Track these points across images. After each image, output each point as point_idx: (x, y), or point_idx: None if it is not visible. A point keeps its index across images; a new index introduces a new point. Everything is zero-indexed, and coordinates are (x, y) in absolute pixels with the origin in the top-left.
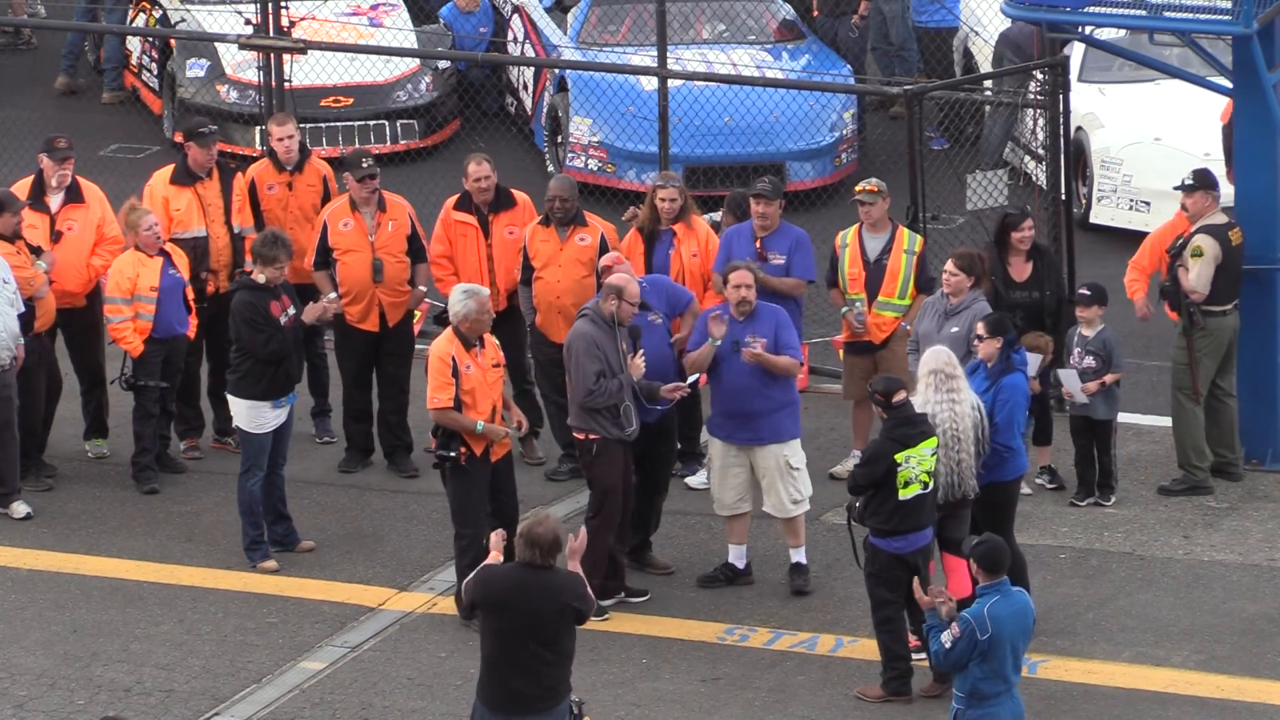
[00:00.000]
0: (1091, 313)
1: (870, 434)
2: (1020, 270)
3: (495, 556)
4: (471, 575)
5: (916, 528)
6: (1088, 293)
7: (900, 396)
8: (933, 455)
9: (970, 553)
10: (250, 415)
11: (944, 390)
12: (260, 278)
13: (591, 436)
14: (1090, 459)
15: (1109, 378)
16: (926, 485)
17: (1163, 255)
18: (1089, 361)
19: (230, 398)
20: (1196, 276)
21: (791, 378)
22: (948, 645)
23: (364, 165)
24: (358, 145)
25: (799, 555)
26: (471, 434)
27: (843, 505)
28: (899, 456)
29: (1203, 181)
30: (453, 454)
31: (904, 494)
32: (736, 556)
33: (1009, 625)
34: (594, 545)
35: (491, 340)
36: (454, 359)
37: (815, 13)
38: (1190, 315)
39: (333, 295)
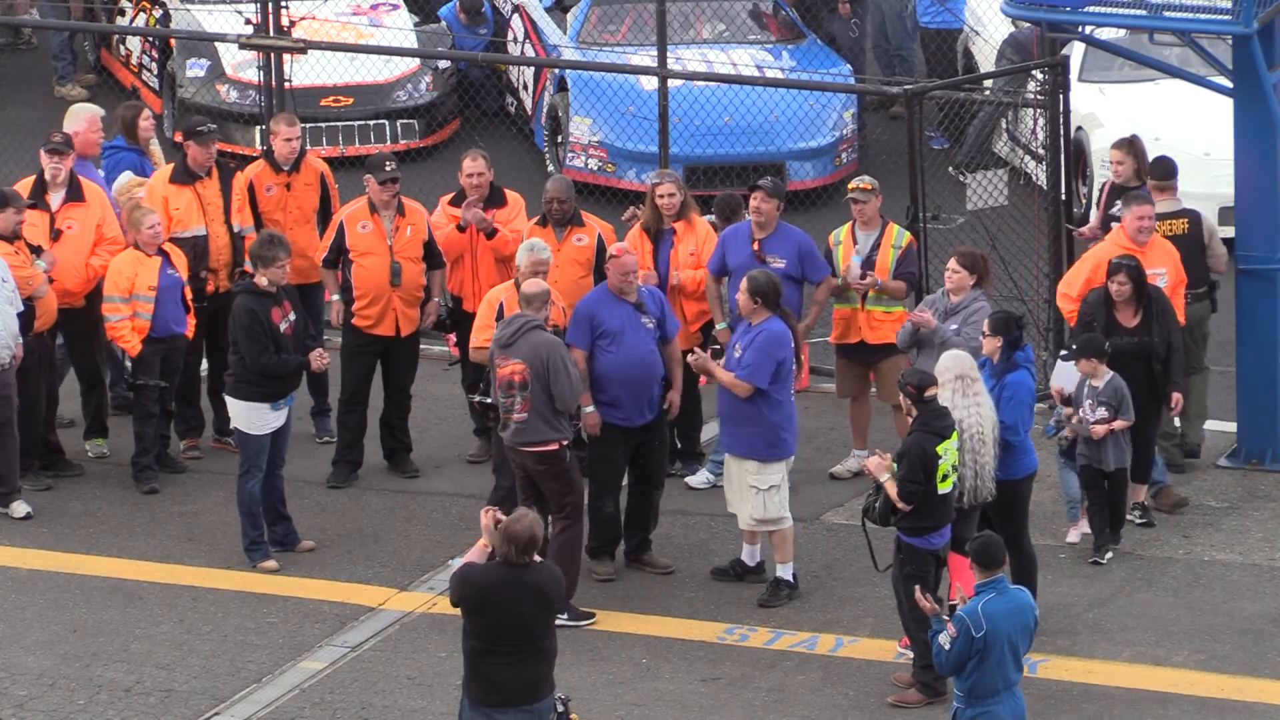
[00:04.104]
0: (1091, 365)
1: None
2: (1128, 316)
3: (483, 545)
4: (454, 573)
5: (949, 520)
6: (1075, 347)
7: (932, 391)
8: (956, 449)
9: (966, 550)
10: (249, 416)
11: (969, 394)
12: (262, 280)
13: (564, 444)
14: (1104, 511)
15: (1118, 424)
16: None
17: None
18: (1101, 412)
19: (228, 399)
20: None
21: (770, 401)
22: (946, 646)
23: (387, 168)
24: (358, 145)
25: (783, 571)
26: None
27: (842, 505)
28: (939, 449)
29: (1156, 173)
30: (491, 400)
31: (943, 488)
32: (748, 555)
33: (1004, 623)
34: (574, 551)
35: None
36: (502, 305)
37: (845, 11)
38: None
39: (335, 298)
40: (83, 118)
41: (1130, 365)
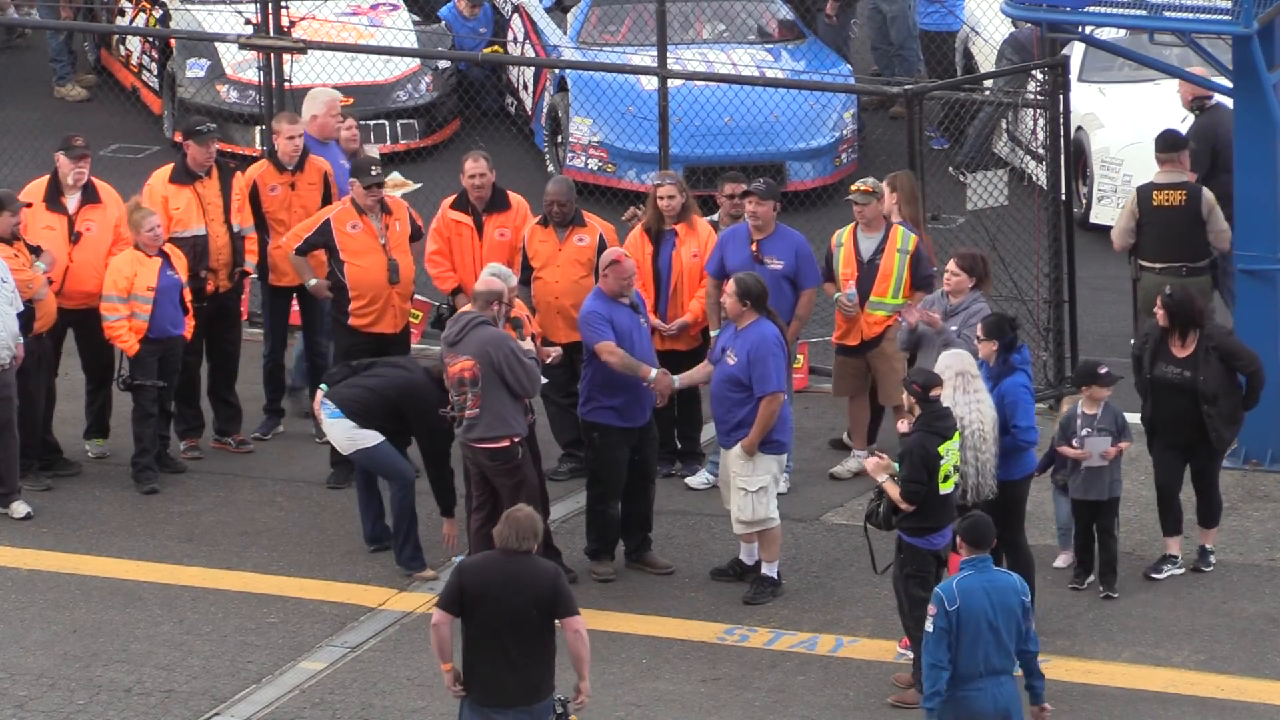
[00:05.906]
0: (1106, 392)
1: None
2: (1179, 346)
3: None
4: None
5: (950, 521)
6: (1106, 370)
7: (937, 391)
8: (957, 450)
9: (956, 528)
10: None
11: (969, 391)
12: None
13: (515, 440)
14: (1091, 542)
15: (1124, 445)
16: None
17: None
18: (1106, 439)
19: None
20: (1114, 223)
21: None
22: (929, 628)
23: (373, 173)
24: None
25: (768, 569)
26: None
27: (842, 505)
28: (941, 449)
29: (1159, 144)
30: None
31: (944, 488)
32: (747, 554)
33: (981, 600)
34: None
35: (521, 328)
36: None
37: (831, 19)
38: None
39: (313, 282)
40: (322, 101)
41: (1173, 399)
